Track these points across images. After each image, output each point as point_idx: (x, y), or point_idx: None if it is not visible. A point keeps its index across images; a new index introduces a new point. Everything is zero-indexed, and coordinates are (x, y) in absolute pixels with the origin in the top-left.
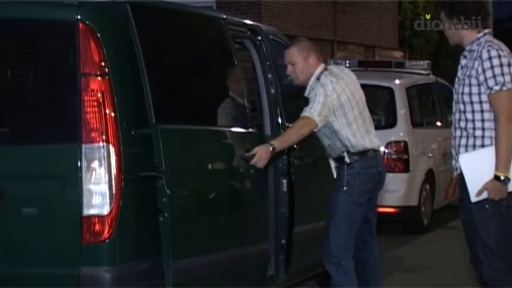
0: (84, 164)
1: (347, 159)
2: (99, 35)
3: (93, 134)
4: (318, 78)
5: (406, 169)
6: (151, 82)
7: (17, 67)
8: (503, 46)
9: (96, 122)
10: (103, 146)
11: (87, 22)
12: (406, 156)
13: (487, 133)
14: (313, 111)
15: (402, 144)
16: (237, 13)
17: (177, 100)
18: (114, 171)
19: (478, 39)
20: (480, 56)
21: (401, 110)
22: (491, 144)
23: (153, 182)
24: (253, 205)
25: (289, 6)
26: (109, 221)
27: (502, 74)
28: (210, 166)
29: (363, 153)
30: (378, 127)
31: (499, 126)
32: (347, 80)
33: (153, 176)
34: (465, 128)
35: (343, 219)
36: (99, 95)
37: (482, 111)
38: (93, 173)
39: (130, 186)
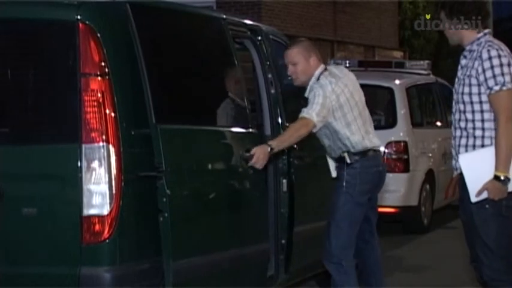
0: (84, 164)
1: (347, 160)
2: (99, 35)
3: (93, 134)
4: (318, 79)
5: (406, 169)
6: (151, 82)
7: (17, 67)
8: (503, 46)
9: (96, 122)
10: (103, 146)
11: (87, 22)
12: (406, 156)
13: (487, 133)
14: (311, 112)
15: (402, 144)
16: (237, 13)
17: (177, 100)
18: (114, 171)
19: (478, 39)
20: (480, 56)
21: (401, 110)
22: (491, 144)
23: (153, 182)
24: (253, 205)
25: (289, 6)
26: (109, 221)
27: (502, 74)
28: (210, 166)
29: (363, 153)
30: (377, 127)
31: (499, 126)
32: (346, 80)
33: (153, 176)
34: (465, 128)
35: (344, 219)
36: (99, 95)
37: (482, 111)
38: (93, 173)
39: (130, 186)
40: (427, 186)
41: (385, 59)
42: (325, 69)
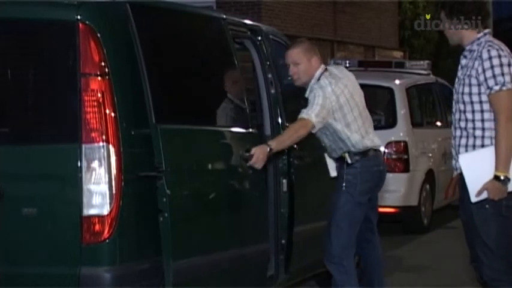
0: (84, 164)
1: (348, 159)
2: (99, 35)
3: (93, 134)
4: (318, 80)
5: (406, 169)
6: (151, 82)
7: (17, 67)
8: (503, 46)
9: (96, 122)
10: (103, 146)
11: (87, 22)
12: (406, 156)
13: (487, 133)
14: (311, 113)
15: (402, 144)
16: (237, 13)
17: (177, 100)
18: (114, 171)
19: (478, 39)
20: (480, 56)
21: (401, 110)
22: (491, 144)
23: (153, 182)
24: (253, 205)
25: (289, 6)
26: (109, 221)
27: (502, 74)
28: (210, 166)
29: (364, 153)
30: (377, 127)
31: (499, 126)
32: (346, 81)
33: (153, 176)
34: (465, 128)
35: (345, 219)
36: (99, 95)
37: (482, 111)
38: (93, 173)
39: (130, 186)
40: (427, 186)
41: (385, 59)
42: (326, 70)
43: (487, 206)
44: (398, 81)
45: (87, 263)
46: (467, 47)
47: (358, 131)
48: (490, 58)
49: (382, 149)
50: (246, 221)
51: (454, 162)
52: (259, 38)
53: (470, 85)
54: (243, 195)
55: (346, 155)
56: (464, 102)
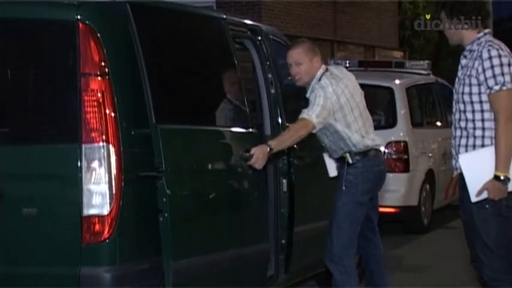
0: (84, 164)
1: (349, 160)
2: (99, 35)
3: (93, 134)
4: (319, 80)
5: (406, 169)
6: (151, 82)
7: (17, 67)
8: (503, 46)
9: (96, 122)
10: (103, 146)
11: (87, 22)
12: (406, 156)
13: (487, 133)
14: (311, 114)
15: (402, 144)
16: (237, 13)
17: (177, 100)
18: (114, 171)
19: (479, 39)
20: (480, 56)
21: (401, 110)
22: (492, 144)
23: (153, 182)
24: (253, 205)
25: (289, 6)
26: (109, 221)
27: (502, 74)
28: (210, 166)
29: (365, 153)
30: (377, 127)
31: (499, 126)
32: (347, 81)
33: (153, 176)
34: (465, 128)
35: (345, 219)
36: (99, 95)
37: (482, 111)
38: (93, 173)
39: (130, 186)
40: (427, 186)
41: (385, 59)
42: (327, 70)
43: (487, 206)
44: (398, 81)
45: (87, 263)
46: (468, 47)
47: (358, 131)
48: (490, 58)
49: (382, 148)
50: (246, 221)
51: (454, 162)
52: (259, 38)
53: (470, 85)
54: (243, 195)
55: (347, 155)
56: (464, 102)
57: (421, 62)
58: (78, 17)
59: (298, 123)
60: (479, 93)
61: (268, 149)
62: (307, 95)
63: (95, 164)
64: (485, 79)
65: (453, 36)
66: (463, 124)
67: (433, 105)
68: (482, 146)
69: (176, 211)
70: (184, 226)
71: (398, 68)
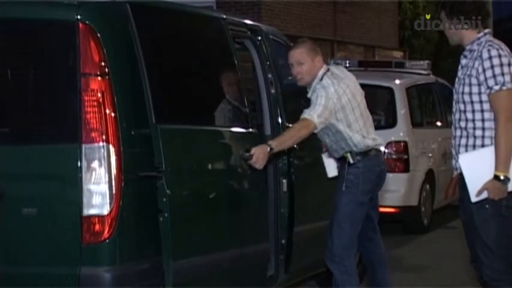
0: (84, 164)
1: (350, 160)
2: (99, 35)
3: (93, 134)
4: (321, 80)
5: (406, 169)
6: (151, 82)
7: (17, 67)
8: (503, 46)
9: (96, 122)
10: (103, 146)
11: (87, 22)
12: (406, 156)
13: (487, 133)
14: (313, 113)
15: (402, 144)
16: (237, 13)
17: (177, 100)
18: (114, 171)
19: (479, 39)
20: (480, 56)
21: (401, 110)
22: (492, 144)
23: (153, 182)
24: (253, 205)
25: (289, 6)
26: (109, 221)
27: (502, 74)
28: (210, 166)
29: (366, 153)
30: (377, 127)
31: (499, 126)
32: (348, 81)
33: (153, 176)
34: (465, 128)
35: (346, 219)
36: (99, 95)
37: (482, 111)
38: (93, 173)
39: (130, 186)
40: (427, 186)
41: (385, 59)
42: (328, 70)
43: (487, 206)
44: (398, 81)
45: (87, 263)
46: (468, 47)
47: (359, 131)
48: (490, 58)
49: (382, 148)
50: (246, 221)
51: (454, 162)
52: (259, 38)
53: (470, 85)
54: (243, 195)
55: (348, 155)
56: (464, 102)
57: (421, 62)
58: (78, 17)
59: (300, 123)
60: (479, 93)
61: (268, 149)
62: (309, 95)
63: (95, 164)
64: (485, 79)
65: (453, 36)
66: (463, 124)
67: (433, 105)
68: (482, 146)
69: (176, 211)
70: (184, 226)
71: (398, 68)
